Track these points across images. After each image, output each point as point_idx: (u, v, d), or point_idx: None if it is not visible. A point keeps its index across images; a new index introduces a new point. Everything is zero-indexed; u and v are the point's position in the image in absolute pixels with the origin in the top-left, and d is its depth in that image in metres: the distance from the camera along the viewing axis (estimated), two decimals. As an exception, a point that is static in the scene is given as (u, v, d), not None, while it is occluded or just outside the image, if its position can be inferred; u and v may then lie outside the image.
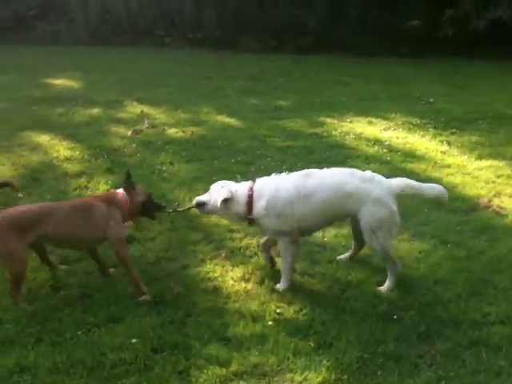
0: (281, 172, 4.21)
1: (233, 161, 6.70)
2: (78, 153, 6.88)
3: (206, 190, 5.66)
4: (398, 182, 4.02)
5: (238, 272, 4.26)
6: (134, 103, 9.61)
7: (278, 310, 3.72)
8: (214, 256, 4.51)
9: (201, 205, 4.22)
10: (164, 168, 6.49)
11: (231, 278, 4.19)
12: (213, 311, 3.74)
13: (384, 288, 3.99)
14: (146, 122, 8.29)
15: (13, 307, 3.72)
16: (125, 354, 3.24)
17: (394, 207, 3.91)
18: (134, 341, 3.35)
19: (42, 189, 5.77)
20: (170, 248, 4.66)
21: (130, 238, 4.74)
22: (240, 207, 4.07)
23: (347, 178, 3.97)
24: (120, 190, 4.07)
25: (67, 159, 6.69)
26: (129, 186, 4.05)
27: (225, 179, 5.97)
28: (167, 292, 3.93)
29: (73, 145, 7.19)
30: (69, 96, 10.04)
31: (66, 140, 7.39)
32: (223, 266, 4.35)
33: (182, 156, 6.91)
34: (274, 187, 4.03)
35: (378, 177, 4.03)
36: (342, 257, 4.42)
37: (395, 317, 3.65)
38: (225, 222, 5.08)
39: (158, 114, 8.92)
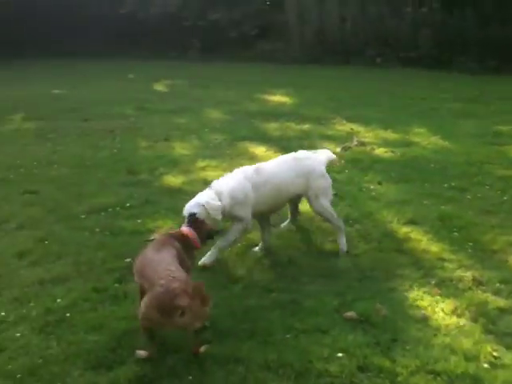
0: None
1: (446, 186, 6.38)
2: (290, 165, 7.22)
3: (416, 212, 5.61)
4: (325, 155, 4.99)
5: (449, 304, 4.01)
6: (344, 121, 9.78)
7: (494, 353, 3.41)
8: (423, 283, 4.33)
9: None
10: (372, 187, 6.46)
11: (441, 309, 3.96)
12: (421, 341, 3.57)
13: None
14: (355, 139, 8.36)
15: (225, 302, 3.99)
16: (331, 366, 3.28)
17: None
18: (340, 355, 3.37)
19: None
20: (375, 268, 4.59)
21: (336, 253, 4.82)
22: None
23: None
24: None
25: (280, 170, 7.07)
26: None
27: (436, 204, 5.84)
28: (373, 312, 3.88)
29: (286, 157, 7.58)
30: (282, 111, 10.64)
31: (281, 152, 7.77)
32: (433, 296, 4.13)
33: (391, 176, 6.81)
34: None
35: (310, 154, 4.89)
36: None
37: None
38: (435, 249, 4.89)
39: (366, 133, 8.95)
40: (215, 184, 4.50)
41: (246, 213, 4.51)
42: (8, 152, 8.04)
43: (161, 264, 3.43)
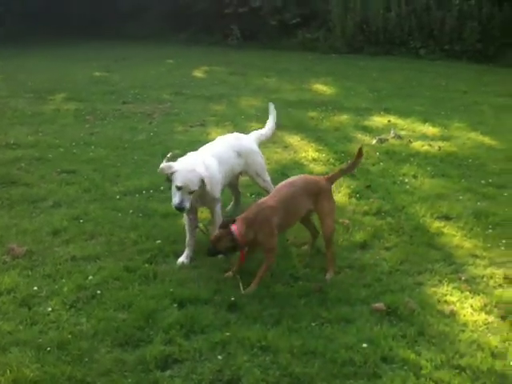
0: None
1: (483, 182, 6.23)
2: (324, 155, 7.19)
3: (450, 208, 5.51)
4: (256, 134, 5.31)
5: (478, 301, 3.96)
6: (382, 112, 9.61)
7: (523, 353, 3.35)
8: (453, 279, 4.26)
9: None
10: (406, 180, 6.36)
11: (470, 305, 3.91)
12: (447, 336, 3.54)
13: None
14: (392, 132, 8.23)
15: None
16: (355, 355, 3.28)
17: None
18: (364, 345, 3.37)
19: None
20: (405, 261, 4.55)
21: (366, 245, 4.79)
22: None
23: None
24: None
25: (314, 160, 7.05)
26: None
27: (472, 200, 5.71)
28: (400, 305, 3.85)
29: (320, 147, 7.54)
30: (320, 101, 10.52)
31: (315, 142, 7.78)
32: (462, 292, 4.09)
33: (427, 170, 6.68)
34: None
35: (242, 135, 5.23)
36: None
37: None
38: (467, 245, 4.80)
39: (404, 125, 8.78)
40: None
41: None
42: (47, 132, 8.24)
43: None
